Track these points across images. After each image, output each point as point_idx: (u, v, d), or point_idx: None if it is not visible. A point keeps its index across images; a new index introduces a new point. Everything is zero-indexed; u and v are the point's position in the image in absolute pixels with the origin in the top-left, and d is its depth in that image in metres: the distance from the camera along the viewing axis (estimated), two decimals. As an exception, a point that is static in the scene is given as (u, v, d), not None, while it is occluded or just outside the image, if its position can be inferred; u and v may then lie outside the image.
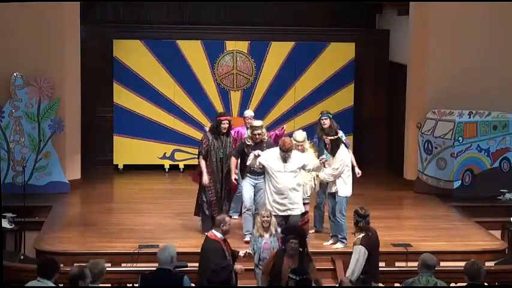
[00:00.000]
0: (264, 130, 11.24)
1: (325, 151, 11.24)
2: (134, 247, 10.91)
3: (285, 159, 10.45)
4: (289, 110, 16.35)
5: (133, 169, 16.07)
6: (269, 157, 10.60)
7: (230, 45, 16.27)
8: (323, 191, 11.48)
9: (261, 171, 11.04)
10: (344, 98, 16.39)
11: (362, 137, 16.53)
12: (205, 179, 11.42)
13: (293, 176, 10.50)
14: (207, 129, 12.04)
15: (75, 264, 9.23)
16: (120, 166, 16.18)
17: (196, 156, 12.01)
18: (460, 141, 14.22)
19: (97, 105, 16.17)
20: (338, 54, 16.36)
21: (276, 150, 10.60)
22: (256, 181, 11.23)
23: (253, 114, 12.77)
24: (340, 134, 11.35)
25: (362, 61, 16.67)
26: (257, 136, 11.12)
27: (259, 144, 11.14)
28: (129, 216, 12.78)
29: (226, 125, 11.48)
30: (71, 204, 13.73)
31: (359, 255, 8.94)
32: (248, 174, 11.25)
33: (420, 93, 14.90)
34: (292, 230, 9.11)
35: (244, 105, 16.27)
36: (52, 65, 14.08)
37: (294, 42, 16.30)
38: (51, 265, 7.57)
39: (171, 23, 16.68)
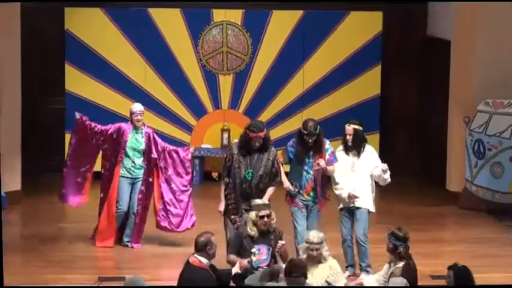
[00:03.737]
0: (273, 214, 10.38)
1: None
2: (93, 279, 11.00)
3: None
4: (296, 100, 16.44)
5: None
6: None
7: (218, 14, 16.35)
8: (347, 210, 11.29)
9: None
10: (368, 85, 16.49)
11: (391, 136, 16.66)
12: (221, 205, 11.17)
13: None
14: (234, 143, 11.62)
15: (14, 303, 9.39)
16: (75, 173, 16.19)
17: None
18: (523, 141, 14.41)
19: (44, 94, 16.34)
20: (360, 27, 16.42)
21: None
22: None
23: (142, 109, 12.53)
24: (328, 145, 11.25)
25: (392, 36, 16.77)
26: (265, 220, 10.23)
27: (266, 236, 10.33)
28: (86, 240, 12.81)
29: (258, 144, 11.08)
30: (9, 224, 13.61)
31: None
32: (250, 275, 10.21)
33: (468, 78, 14.98)
34: (295, 265, 8.92)
35: (237, 94, 16.41)
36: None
37: (302, 11, 16.35)
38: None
39: (141, -13, 16.79)
